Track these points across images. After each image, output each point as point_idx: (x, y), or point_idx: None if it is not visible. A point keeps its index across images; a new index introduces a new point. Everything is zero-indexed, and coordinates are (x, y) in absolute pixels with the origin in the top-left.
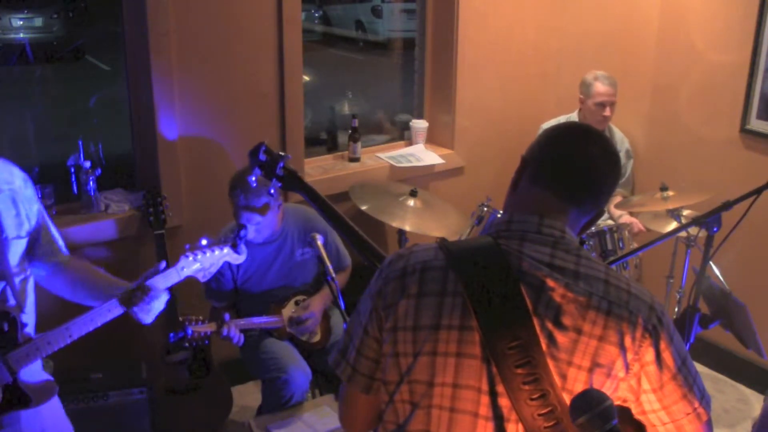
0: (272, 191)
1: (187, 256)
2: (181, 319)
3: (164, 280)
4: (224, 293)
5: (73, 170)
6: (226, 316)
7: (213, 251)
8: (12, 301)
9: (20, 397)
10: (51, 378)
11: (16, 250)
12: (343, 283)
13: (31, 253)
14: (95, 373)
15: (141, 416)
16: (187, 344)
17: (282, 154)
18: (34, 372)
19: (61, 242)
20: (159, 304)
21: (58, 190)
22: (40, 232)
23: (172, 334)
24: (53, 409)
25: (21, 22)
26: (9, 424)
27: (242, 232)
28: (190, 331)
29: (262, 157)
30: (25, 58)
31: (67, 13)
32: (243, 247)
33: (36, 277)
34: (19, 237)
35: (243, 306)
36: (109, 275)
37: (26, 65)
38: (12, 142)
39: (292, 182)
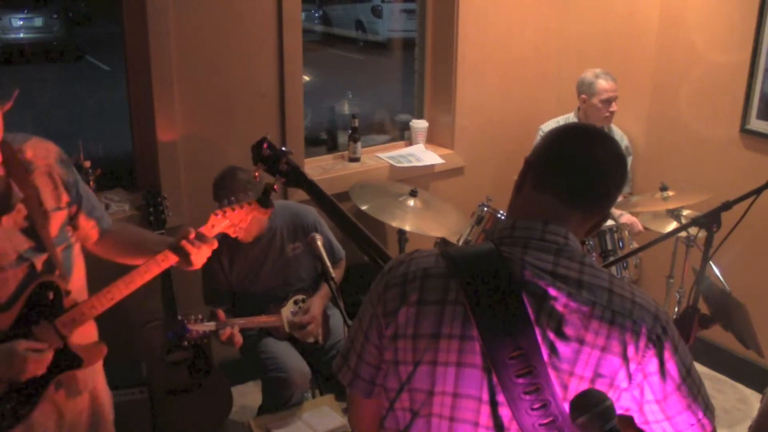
0: (275, 187)
1: (216, 214)
2: (180, 317)
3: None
4: (222, 297)
5: None
6: (219, 312)
7: (242, 206)
8: (56, 271)
9: (72, 359)
10: (100, 342)
11: (57, 222)
12: (338, 278)
13: (74, 223)
14: None
15: (141, 416)
16: (186, 343)
17: (284, 149)
18: (84, 335)
19: (102, 211)
20: (205, 251)
21: None
22: (82, 201)
23: (171, 332)
24: (102, 371)
25: (21, 22)
26: (67, 384)
27: (267, 186)
28: (189, 330)
29: (265, 152)
30: (25, 58)
31: (67, 13)
32: (271, 201)
33: (84, 244)
34: (58, 209)
35: (242, 308)
36: (150, 233)
37: (26, 65)
38: None
39: (296, 178)
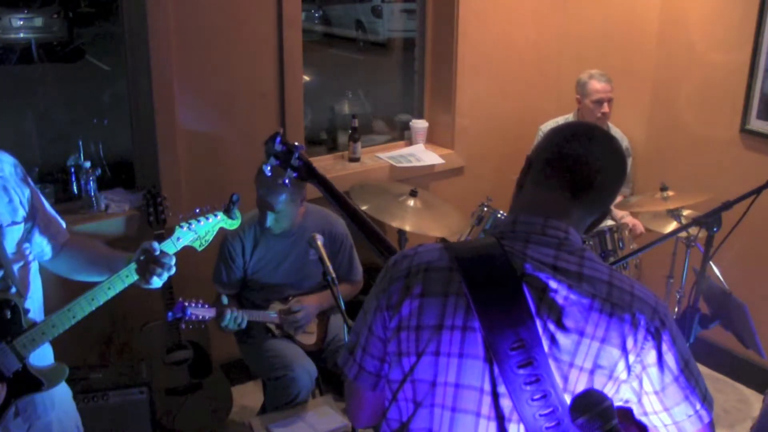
0: (287, 182)
1: (182, 227)
2: (181, 299)
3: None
4: (232, 280)
5: (73, 170)
6: (223, 298)
7: (207, 219)
8: (13, 288)
9: (31, 382)
10: (60, 363)
11: (13, 237)
12: (347, 295)
13: (29, 238)
14: (95, 373)
15: (141, 416)
16: (184, 325)
17: (297, 144)
18: (43, 356)
19: (59, 223)
20: (171, 269)
21: (58, 190)
22: (37, 215)
23: (170, 313)
24: (63, 392)
25: (21, 22)
26: (24, 409)
27: (234, 197)
28: (189, 313)
29: (279, 146)
30: (25, 57)
31: (67, 13)
32: (237, 213)
33: (39, 261)
34: (14, 223)
35: (247, 297)
36: (107, 248)
37: (26, 65)
38: (12, 142)
39: (308, 173)
